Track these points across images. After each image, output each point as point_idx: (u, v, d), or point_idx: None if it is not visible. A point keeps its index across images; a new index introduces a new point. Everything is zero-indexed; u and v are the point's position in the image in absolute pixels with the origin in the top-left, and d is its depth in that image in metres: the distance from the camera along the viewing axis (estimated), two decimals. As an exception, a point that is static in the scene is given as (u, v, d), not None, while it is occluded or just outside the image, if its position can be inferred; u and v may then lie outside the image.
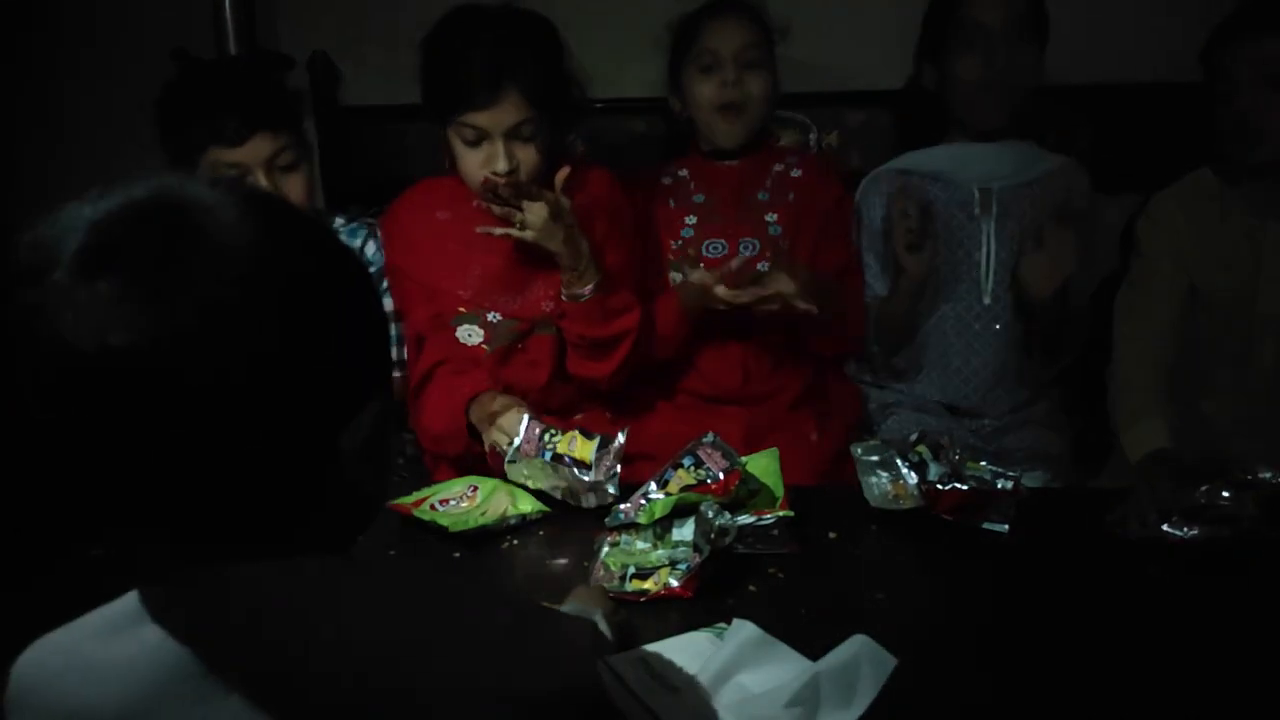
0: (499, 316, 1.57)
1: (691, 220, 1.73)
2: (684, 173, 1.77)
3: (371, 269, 1.59)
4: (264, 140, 1.46)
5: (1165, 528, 1.17)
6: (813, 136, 2.00)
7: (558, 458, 1.31)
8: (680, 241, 1.73)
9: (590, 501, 1.31)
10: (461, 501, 1.29)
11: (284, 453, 0.56)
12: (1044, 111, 1.80)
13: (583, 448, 1.31)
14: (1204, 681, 0.94)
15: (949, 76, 1.66)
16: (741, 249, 1.70)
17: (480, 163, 1.46)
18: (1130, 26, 1.94)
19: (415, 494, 1.33)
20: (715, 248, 1.72)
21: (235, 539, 0.57)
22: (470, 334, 1.58)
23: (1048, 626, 1.03)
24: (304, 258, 0.58)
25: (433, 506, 1.28)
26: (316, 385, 0.57)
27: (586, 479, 1.29)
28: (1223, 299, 1.59)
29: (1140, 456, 1.46)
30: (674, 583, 1.08)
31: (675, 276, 1.71)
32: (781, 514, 1.20)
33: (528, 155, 1.46)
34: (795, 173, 1.75)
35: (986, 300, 1.70)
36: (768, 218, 1.71)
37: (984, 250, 1.69)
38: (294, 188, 1.50)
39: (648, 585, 1.09)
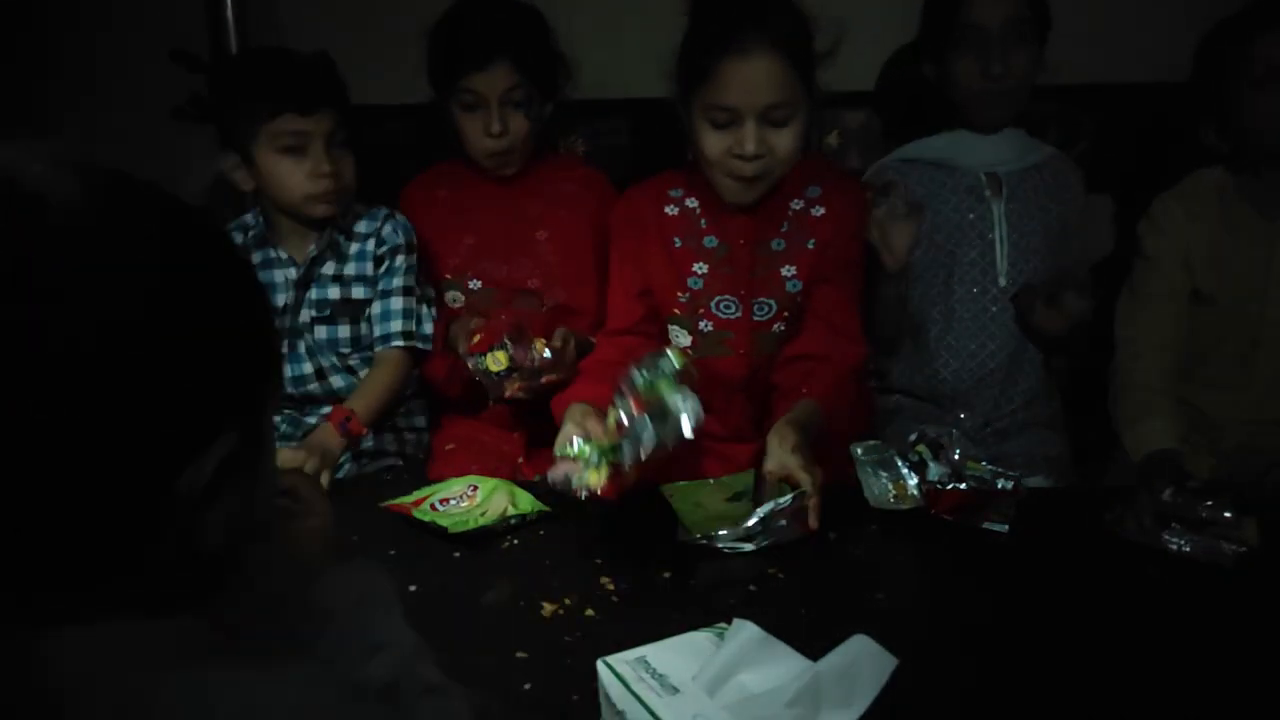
0: (479, 284, 1.70)
1: (702, 269, 1.54)
2: (693, 203, 1.55)
3: (384, 247, 1.67)
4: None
5: (1164, 535, 1.17)
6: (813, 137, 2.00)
7: (505, 371, 1.52)
8: (688, 295, 1.55)
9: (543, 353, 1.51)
10: (462, 501, 1.29)
11: (94, 490, 0.47)
12: (1044, 109, 1.81)
13: (501, 358, 1.51)
14: (1202, 682, 0.94)
15: (949, 77, 1.66)
16: (755, 311, 1.54)
17: (478, 129, 1.61)
18: (1130, 27, 1.94)
19: (415, 493, 1.33)
20: (727, 306, 1.54)
21: (33, 591, 0.48)
22: (454, 299, 1.75)
23: (1047, 627, 1.03)
24: (154, 255, 0.50)
25: (433, 506, 1.29)
26: (141, 410, 0.47)
27: (514, 376, 1.52)
28: (1227, 299, 1.59)
29: (1142, 456, 1.46)
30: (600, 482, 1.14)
31: (675, 332, 1.57)
32: (796, 491, 1.21)
33: (518, 123, 1.63)
34: (817, 210, 1.52)
35: (1002, 282, 1.68)
36: (784, 271, 1.53)
37: (997, 232, 1.68)
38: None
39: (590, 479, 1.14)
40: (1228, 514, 1.15)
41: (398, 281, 1.66)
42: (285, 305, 1.66)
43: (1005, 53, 1.59)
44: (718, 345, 1.56)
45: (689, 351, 1.55)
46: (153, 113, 2.16)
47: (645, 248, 1.57)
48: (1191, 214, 1.61)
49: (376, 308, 1.66)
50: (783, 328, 1.55)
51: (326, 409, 1.68)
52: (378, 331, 1.66)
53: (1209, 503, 1.16)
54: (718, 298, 1.55)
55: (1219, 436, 1.63)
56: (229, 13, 1.99)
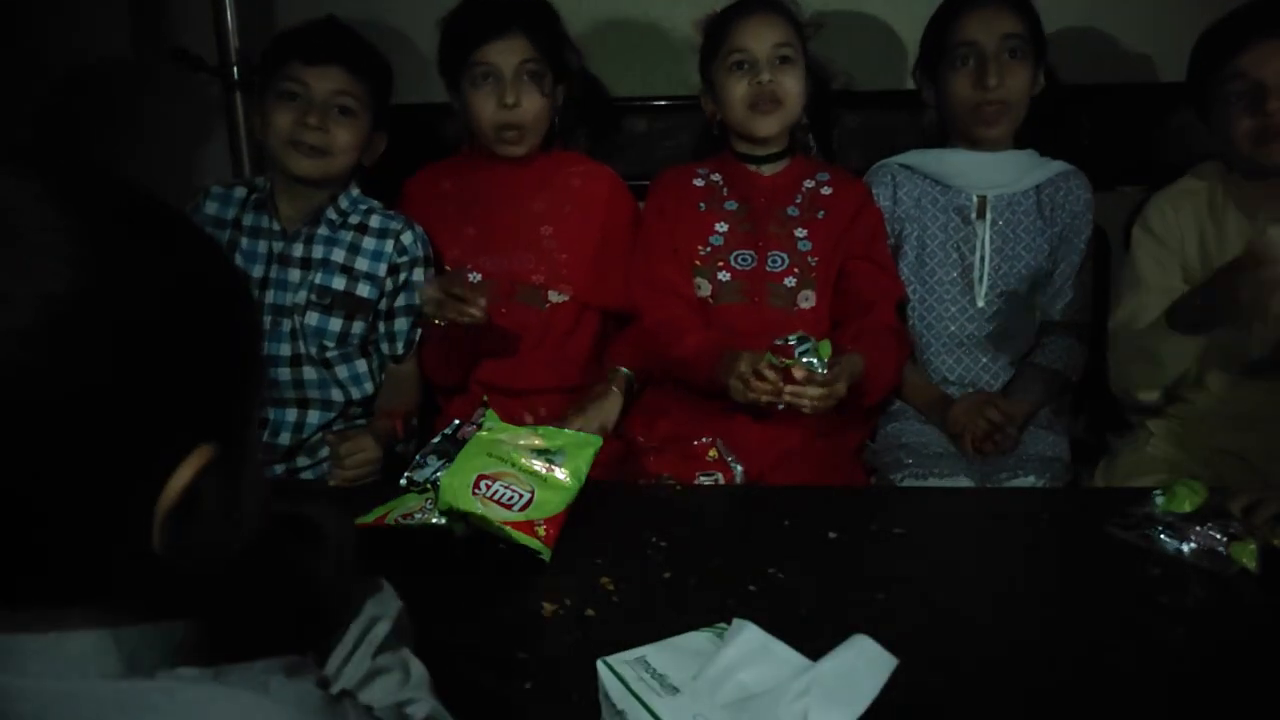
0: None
1: (722, 228, 1.73)
2: (717, 177, 1.77)
3: (404, 257, 1.67)
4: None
5: (1165, 539, 1.17)
6: (813, 136, 2.00)
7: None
8: (709, 248, 1.73)
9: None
10: (427, 514, 1.22)
11: (61, 497, 0.45)
12: (1044, 113, 1.82)
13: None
14: (1203, 682, 0.94)
15: (945, 95, 1.71)
16: (769, 263, 1.71)
17: (490, 102, 1.64)
18: (1130, 26, 1.95)
19: (375, 511, 1.25)
20: (743, 259, 1.72)
21: None
22: None
23: (1047, 627, 1.04)
24: (132, 260, 0.48)
25: (396, 522, 1.22)
26: (108, 418, 0.45)
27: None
28: None
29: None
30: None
31: (700, 283, 1.72)
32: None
33: (531, 98, 1.66)
34: (826, 190, 1.75)
35: (980, 303, 1.73)
36: (797, 233, 1.72)
37: (978, 254, 1.73)
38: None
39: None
40: (1219, 548, 1.14)
41: (418, 300, 1.66)
42: (265, 278, 1.63)
43: (1000, 66, 1.64)
44: (734, 293, 1.72)
45: (709, 301, 1.72)
46: (156, 112, 2.16)
47: (673, 209, 1.75)
48: (1184, 214, 1.61)
49: (396, 324, 1.68)
50: (794, 282, 1.70)
51: (290, 412, 1.65)
52: (389, 350, 1.69)
53: (1204, 526, 1.16)
54: (736, 252, 1.72)
55: (1209, 436, 1.63)
56: (229, 13, 1.99)
